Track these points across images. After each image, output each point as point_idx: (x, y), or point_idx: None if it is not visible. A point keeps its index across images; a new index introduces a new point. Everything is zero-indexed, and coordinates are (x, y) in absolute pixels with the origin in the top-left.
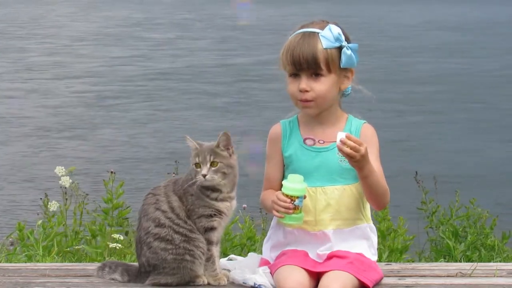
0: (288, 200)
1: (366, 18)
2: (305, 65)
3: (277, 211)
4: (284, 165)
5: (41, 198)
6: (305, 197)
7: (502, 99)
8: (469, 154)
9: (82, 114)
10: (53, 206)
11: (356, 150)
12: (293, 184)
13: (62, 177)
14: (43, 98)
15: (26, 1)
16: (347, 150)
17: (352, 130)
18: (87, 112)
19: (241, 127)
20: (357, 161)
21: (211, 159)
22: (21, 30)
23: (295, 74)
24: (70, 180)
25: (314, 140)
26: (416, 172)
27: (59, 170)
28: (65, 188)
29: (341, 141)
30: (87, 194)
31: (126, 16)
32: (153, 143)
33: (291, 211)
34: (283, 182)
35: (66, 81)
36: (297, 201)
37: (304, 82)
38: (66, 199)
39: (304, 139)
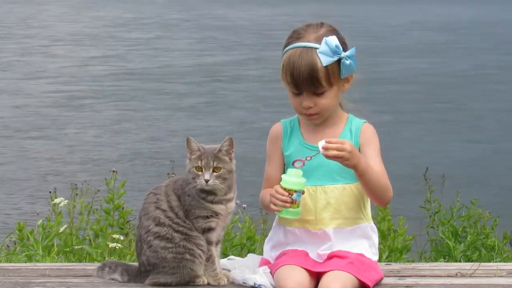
0: (286, 194)
1: (354, 18)
2: (306, 86)
3: (275, 204)
4: (284, 165)
5: (50, 192)
6: (303, 192)
7: (469, 99)
8: (433, 154)
9: (51, 114)
10: (62, 202)
11: (341, 149)
12: (291, 178)
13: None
14: (12, 98)
15: (20, 0)
16: (333, 153)
17: (352, 129)
18: (56, 112)
19: (209, 127)
20: (348, 159)
21: (215, 165)
22: (3, 30)
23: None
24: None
25: (302, 161)
26: (427, 168)
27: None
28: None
29: (323, 148)
30: (98, 190)
31: (116, 16)
32: (121, 143)
33: (288, 204)
34: (282, 176)
35: (36, 81)
36: (295, 195)
37: (307, 100)
38: (76, 195)
39: (293, 162)
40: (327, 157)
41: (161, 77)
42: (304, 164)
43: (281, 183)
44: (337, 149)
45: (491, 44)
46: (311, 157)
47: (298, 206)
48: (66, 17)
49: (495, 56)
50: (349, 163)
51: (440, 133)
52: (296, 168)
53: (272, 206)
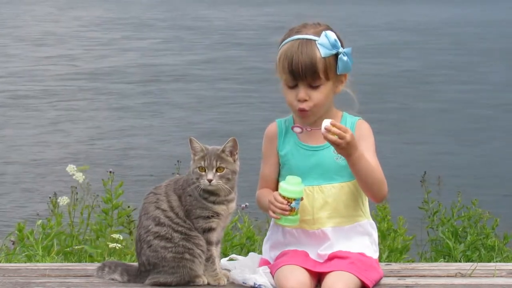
0: (285, 202)
1: (329, 18)
2: (304, 75)
3: (273, 212)
4: (280, 164)
5: (49, 197)
6: (302, 199)
7: (414, 99)
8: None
9: None
10: (64, 201)
11: (342, 137)
12: (290, 186)
13: (76, 173)
14: None
15: (12, 1)
16: (332, 137)
17: (347, 126)
18: None
19: (151, 127)
20: (344, 148)
21: (218, 165)
22: None
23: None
24: (83, 176)
25: (302, 128)
26: (425, 172)
27: (71, 168)
28: (77, 184)
29: (325, 128)
30: (97, 195)
31: (97, 16)
32: (61, 143)
33: (287, 212)
34: (281, 184)
35: None
36: (293, 203)
37: (303, 92)
38: (77, 199)
39: (292, 127)
40: (325, 138)
41: (108, 77)
42: (302, 131)
43: (279, 191)
44: (339, 136)
45: (451, 44)
46: (311, 129)
47: (296, 214)
48: (48, 17)
49: (448, 57)
50: (342, 152)
51: (380, 134)
52: (294, 132)
53: (271, 213)
